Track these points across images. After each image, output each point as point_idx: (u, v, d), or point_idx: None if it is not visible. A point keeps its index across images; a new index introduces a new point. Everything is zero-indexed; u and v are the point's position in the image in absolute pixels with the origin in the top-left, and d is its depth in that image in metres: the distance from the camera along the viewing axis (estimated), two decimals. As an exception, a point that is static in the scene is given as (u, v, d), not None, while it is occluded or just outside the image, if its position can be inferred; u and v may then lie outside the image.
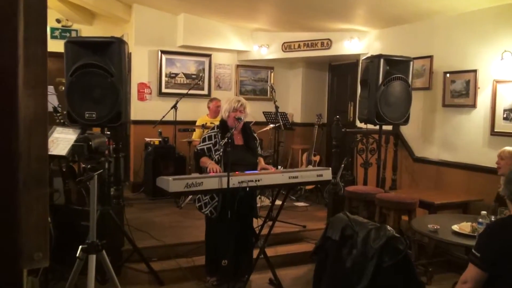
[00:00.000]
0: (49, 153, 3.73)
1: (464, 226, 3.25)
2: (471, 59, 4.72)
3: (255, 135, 3.86)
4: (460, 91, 4.83)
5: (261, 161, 3.80)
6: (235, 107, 3.64)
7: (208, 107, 6.42)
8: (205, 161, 3.58)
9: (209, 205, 3.57)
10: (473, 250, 2.12)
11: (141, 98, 6.77)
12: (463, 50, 4.82)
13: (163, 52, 6.81)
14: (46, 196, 0.92)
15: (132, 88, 6.53)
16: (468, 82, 4.74)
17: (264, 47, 7.11)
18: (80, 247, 2.61)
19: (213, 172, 3.34)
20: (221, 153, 3.53)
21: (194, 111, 6.83)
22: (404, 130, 5.48)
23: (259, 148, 3.87)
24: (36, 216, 0.89)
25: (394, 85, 4.73)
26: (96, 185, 2.60)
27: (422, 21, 5.31)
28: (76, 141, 2.48)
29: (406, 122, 4.96)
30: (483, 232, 2.25)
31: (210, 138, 3.66)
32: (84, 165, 2.69)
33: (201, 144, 3.68)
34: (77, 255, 2.61)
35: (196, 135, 6.22)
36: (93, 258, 2.57)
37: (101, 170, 2.57)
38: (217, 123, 3.87)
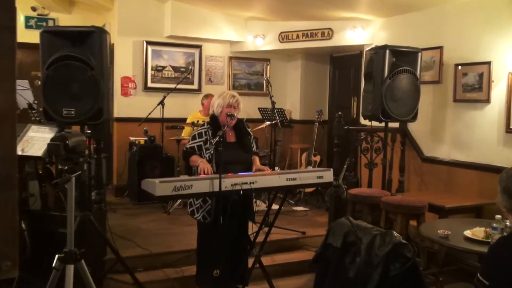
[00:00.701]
0: (24, 153, 3.72)
1: (477, 232, 3.26)
2: (484, 50, 4.73)
3: (249, 130, 3.84)
4: (472, 84, 4.85)
5: (256, 161, 3.78)
6: (230, 103, 3.63)
7: (202, 104, 6.40)
8: (196, 159, 3.57)
9: (201, 210, 3.55)
10: (479, 277, 2.06)
11: (124, 93, 6.76)
12: (476, 40, 4.83)
13: (148, 43, 6.80)
14: (15, 199, 0.91)
15: (115, 83, 6.51)
16: (481, 75, 4.75)
17: (259, 38, 7.10)
18: (57, 256, 2.60)
19: (204, 173, 3.33)
20: (211, 151, 3.53)
21: (183, 107, 6.83)
22: (412, 127, 5.50)
23: (254, 145, 3.86)
24: (3, 222, 0.88)
25: (401, 78, 4.74)
26: (75, 188, 2.59)
27: (432, 8, 5.32)
28: (51, 140, 2.46)
29: (414, 118, 4.97)
30: (489, 255, 2.18)
31: (200, 135, 3.65)
32: (61, 167, 2.68)
33: (191, 142, 3.67)
34: (53, 265, 2.60)
35: (186, 133, 6.22)
36: (70, 269, 2.55)
37: (79, 172, 2.55)
38: (210, 120, 3.86)
